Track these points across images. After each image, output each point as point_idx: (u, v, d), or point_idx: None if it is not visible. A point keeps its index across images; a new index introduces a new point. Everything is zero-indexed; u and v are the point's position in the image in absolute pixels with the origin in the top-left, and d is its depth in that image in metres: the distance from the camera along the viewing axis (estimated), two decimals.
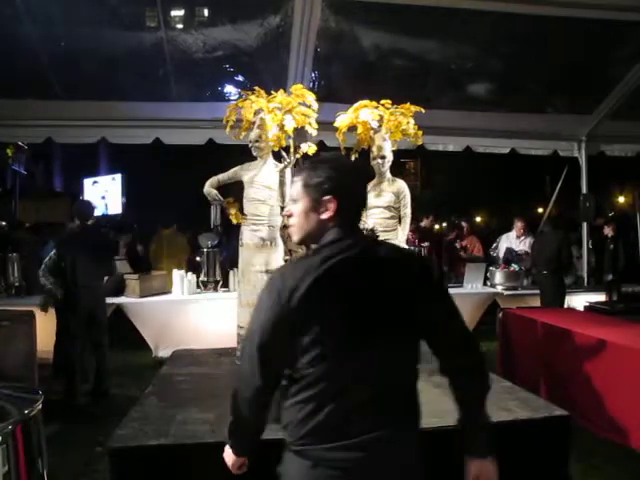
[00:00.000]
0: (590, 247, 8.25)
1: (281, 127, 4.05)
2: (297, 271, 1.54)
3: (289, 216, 1.69)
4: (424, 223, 9.18)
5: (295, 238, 1.70)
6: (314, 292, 1.50)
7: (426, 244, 7.91)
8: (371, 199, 4.43)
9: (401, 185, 4.41)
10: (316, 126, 4.06)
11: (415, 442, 1.60)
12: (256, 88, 4.15)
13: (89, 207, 5.74)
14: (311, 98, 4.07)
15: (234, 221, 4.43)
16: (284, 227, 3.71)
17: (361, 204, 1.71)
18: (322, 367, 1.52)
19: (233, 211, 4.42)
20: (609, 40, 6.23)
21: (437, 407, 3.13)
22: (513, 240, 8.09)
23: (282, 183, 4.13)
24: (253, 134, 4.18)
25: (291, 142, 4.12)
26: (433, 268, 1.67)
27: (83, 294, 5.20)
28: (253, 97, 4.12)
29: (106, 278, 6.03)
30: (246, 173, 4.31)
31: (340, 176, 1.62)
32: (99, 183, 19.57)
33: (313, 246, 1.65)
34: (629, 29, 6.02)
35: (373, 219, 4.37)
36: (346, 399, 1.52)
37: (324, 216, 1.61)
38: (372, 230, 3.52)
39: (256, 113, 4.13)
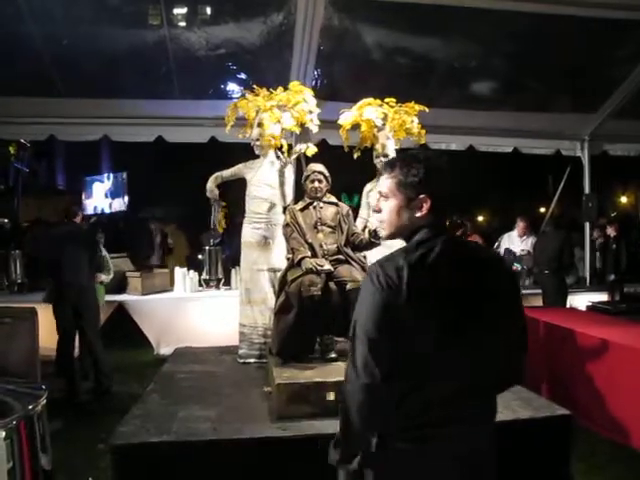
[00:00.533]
0: (596, 247, 8.24)
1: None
2: (399, 267, 1.54)
3: (377, 211, 1.73)
4: None
5: (384, 234, 1.76)
6: (413, 288, 1.52)
7: None
8: (374, 197, 4.43)
9: None
10: (318, 122, 4.06)
11: (488, 441, 1.64)
12: (255, 87, 4.15)
13: (74, 205, 5.67)
14: (308, 94, 4.06)
15: (219, 227, 4.48)
16: (286, 225, 3.71)
17: (451, 203, 1.75)
18: (410, 362, 1.54)
19: (219, 216, 4.46)
20: (613, 39, 6.21)
21: None
22: (515, 239, 8.06)
23: (282, 183, 4.13)
24: (254, 133, 4.19)
25: (284, 142, 4.12)
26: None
27: (66, 291, 5.18)
28: (250, 96, 4.12)
29: (107, 277, 6.02)
30: (249, 171, 4.32)
31: (435, 176, 1.65)
32: (103, 181, 19.58)
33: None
34: (633, 28, 6.00)
35: (375, 218, 4.37)
36: (427, 393, 1.55)
37: (418, 214, 1.65)
38: (374, 231, 3.51)
39: (258, 112, 4.14)
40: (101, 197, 19.27)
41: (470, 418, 1.59)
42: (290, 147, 4.21)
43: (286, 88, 4.10)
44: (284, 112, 4.03)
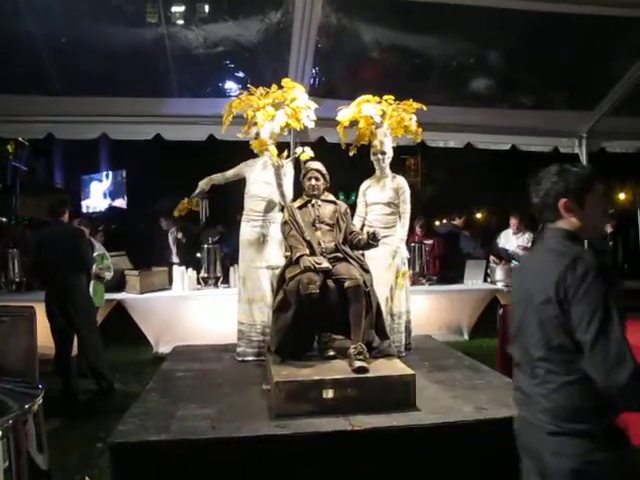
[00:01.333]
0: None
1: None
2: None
3: None
4: (457, 222, 9.11)
5: None
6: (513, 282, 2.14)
7: (429, 241, 7.92)
8: (371, 195, 4.43)
9: (401, 181, 4.42)
10: (314, 118, 4.04)
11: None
12: (250, 86, 4.14)
13: (60, 204, 5.59)
14: (299, 91, 4.04)
15: (176, 212, 4.54)
16: (284, 223, 3.71)
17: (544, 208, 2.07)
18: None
19: (183, 206, 4.51)
20: (610, 36, 6.20)
21: (437, 404, 3.14)
22: (511, 236, 8.12)
23: (279, 184, 4.11)
24: (252, 132, 4.18)
25: (272, 148, 4.08)
26: (590, 268, 1.71)
27: (53, 292, 5.16)
28: (244, 96, 4.11)
29: (108, 274, 6.00)
30: (249, 170, 4.32)
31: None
32: (101, 180, 19.57)
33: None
34: (630, 25, 5.99)
35: (373, 215, 4.38)
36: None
37: None
38: (373, 233, 3.52)
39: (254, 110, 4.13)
40: (99, 197, 19.25)
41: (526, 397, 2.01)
42: (280, 151, 4.15)
43: (280, 86, 4.09)
44: (280, 109, 4.02)
